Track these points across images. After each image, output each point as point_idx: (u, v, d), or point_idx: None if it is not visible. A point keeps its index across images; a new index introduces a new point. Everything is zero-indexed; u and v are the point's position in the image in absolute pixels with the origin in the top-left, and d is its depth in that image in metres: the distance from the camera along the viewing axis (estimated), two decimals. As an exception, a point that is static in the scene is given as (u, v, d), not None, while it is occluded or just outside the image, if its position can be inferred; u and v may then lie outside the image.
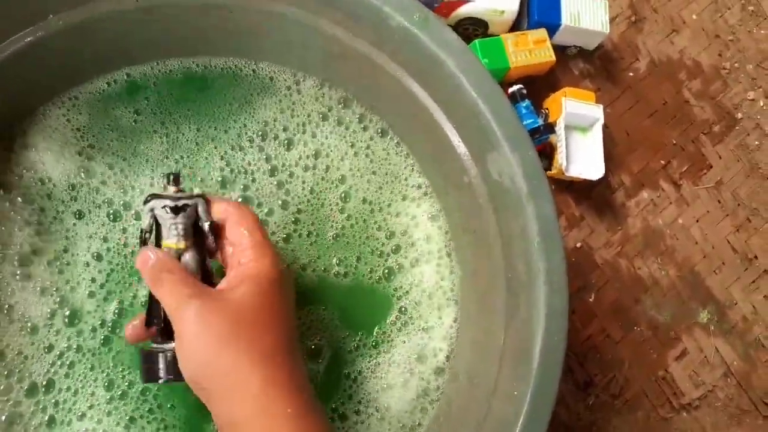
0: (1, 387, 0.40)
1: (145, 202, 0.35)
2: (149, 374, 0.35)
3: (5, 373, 0.40)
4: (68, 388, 0.41)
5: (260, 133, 0.48)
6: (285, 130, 0.48)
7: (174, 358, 0.33)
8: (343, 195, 0.47)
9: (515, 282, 0.40)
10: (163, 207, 0.35)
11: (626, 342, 0.57)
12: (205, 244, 0.36)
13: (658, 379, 0.56)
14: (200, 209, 0.36)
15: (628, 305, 0.58)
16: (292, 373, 0.32)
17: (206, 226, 0.36)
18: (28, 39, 0.41)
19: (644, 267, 0.59)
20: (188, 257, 0.35)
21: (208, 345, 0.31)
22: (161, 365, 0.34)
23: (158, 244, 0.36)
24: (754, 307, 0.60)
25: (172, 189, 0.36)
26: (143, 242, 0.36)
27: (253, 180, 0.47)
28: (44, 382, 0.41)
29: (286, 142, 0.48)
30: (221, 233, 0.36)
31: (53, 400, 0.40)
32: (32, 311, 0.42)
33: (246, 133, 0.48)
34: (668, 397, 0.56)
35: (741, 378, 0.58)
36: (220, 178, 0.46)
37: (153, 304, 0.35)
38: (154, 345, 0.35)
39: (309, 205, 0.47)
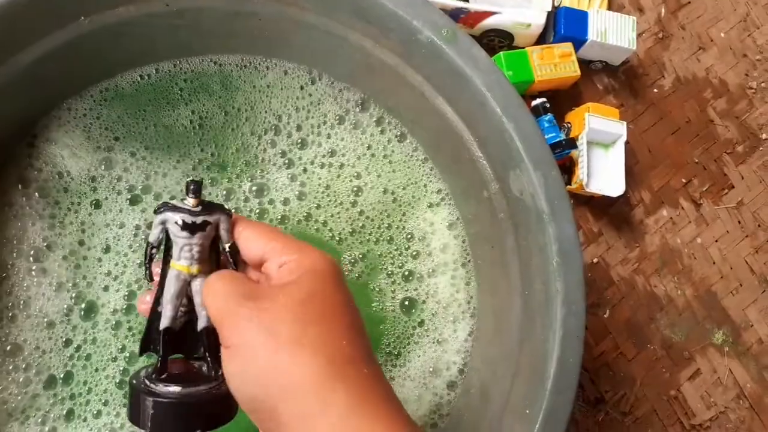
0: (21, 380, 0.41)
1: (157, 211, 0.30)
2: (136, 417, 0.29)
3: (23, 366, 0.41)
4: (84, 382, 0.42)
5: (273, 130, 0.48)
6: (299, 129, 0.49)
7: (174, 407, 0.28)
8: (355, 189, 0.48)
9: (532, 300, 0.40)
10: (177, 223, 0.30)
11: (639, 360, 0.57)
12: (223, 268, 0.32)
13: (670, 399, 0.56)
14: (222, 227, 0.31)
15: (642, 323, 0.58)
16: (380, 385, 0.27)
17: (227, 247, 0.31)
18: (58, 40, 0.41)
19: (660, 285, 0.59)
20: (199, 283, 0.30)
21: (274, 353, 0.25)
22: (156, 415, 0.28)
23: (166, 262, 0.31)
24: (770, 330, 0.59)
25: (191, 201, 0.30)
26: (149, 258, 0.31)
27: (269, 178, 0.47)
28: (62, 375, 0.42)
29: (299, 141, 0.48)
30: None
31: (71, 392, 0.41)
32: (49, 307, 0.43)
33: (264, 131, 0.48)
34: (679, 416, 0.56)
35: (754, 401, 0.57)
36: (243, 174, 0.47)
37: (152, 327, 0.31)
38: (149, 383, 0.29)
39: (325, 200, 0.47)
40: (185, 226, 0.30)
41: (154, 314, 0.31)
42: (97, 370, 0.42)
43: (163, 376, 0.30)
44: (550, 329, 0.38)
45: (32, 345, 0.42)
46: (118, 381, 0.42)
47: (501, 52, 0.56)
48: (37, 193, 0.44)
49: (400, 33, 0.41)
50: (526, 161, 0.39)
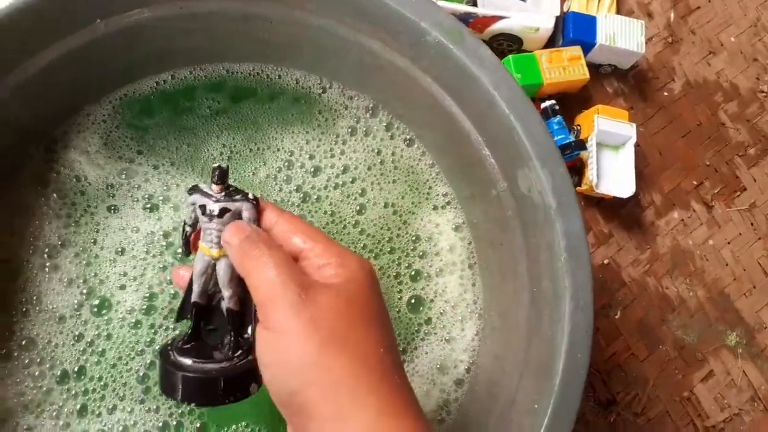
0: (36, 373, 0.42)
1: (189, 192, 0.32)
2: (170, 390, 0.31)
3: (38, 360, 0.42)
4: (99, 378, 0.42)
5: (287, 161, 0.49)
6: (312, 158, 0.49)
7: (206, 381, 0.30)
8: (358, 208, 0.48)
9: (540, 297, 0.40)
10: (199, 207, 0.31)
11: (651, 361, 0.56)
12: None
13: (683, 400, 0.56)
14: (245, 215, 0.31)
15: (654, 324, 0.57)
16: (409, 394, 0.27)
17: None
18: (74, 43, 0.42)
19: (672, 287, 0.59)
20: (222, 266, 0.31)
21: (318, 349, 0.25)
22: (189, 388, 0.30)
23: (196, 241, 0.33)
24: (785, 332, 0.59)
25: (214, 188, 0.31)
26: (186, 236, 0.33)
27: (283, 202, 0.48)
28: (75, 369, 0.42)
29: (313, 169, 0.49)
30: None
31: (84, 388, 0.42)
32: (59, 302, 0.43)
33: (278, 169, 0.49)
34: (692, 418, 0.55)
35: (768, 404, 0.57)
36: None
37: (188, 297, 0.33)
38: (171, 350, 0.32)
39: (333, 230, 0.48)
40: (204, 212, 0.31)
41: (190, 286, 0.33)
42: (114, 366, 0.42)
43: (188, 346, 0.32)
44: (558, 324, 0.38)
45: (45, 339, 0.42)
46: (141, 375, 0.42)
47: (510, 56, 0.57)
48: (55, 194, 0.45)
49: (409, 35, 0.42)
50: (534, 159, 0.39)
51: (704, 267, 0.60)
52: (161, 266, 0.45)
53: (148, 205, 0.46)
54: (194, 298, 0.32)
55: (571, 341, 0.37)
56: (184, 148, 0.48)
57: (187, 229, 0.33)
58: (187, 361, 0.31)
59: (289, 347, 0.26)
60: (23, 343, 0.42)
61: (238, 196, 0.31)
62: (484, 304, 0.47)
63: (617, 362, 0.56)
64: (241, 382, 0.30)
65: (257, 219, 0.31)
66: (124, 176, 0.46)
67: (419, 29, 0.41)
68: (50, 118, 0.46)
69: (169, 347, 0.32)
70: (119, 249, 0.45)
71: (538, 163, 0.39)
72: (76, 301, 0.43)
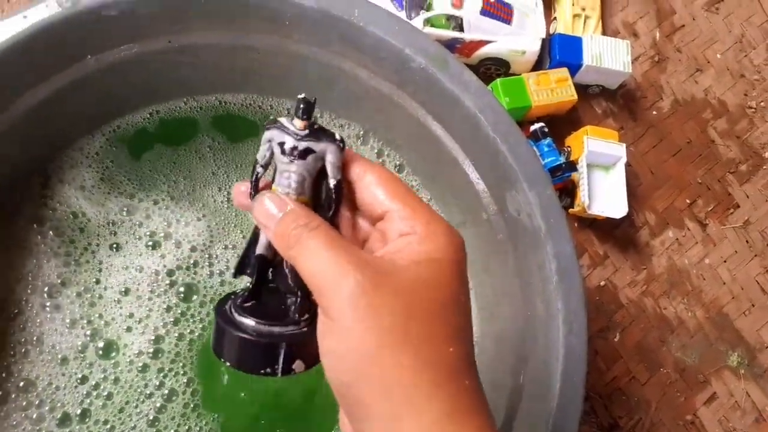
0: (34, 416, 0.41)
1: (265, 126, 0.27)
2: (223, 352, 0.27)
3: (37, 402, 0.41)
4: (105, 421, 0.41)
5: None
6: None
7: (267, 347, 0.26)
8: None
9: (534, 321, 0.40)
10: (279, 144, 0.27)
11: (652, 384, 0.55)
12: (326, 204, 0.28)
13: (686, 424, 0.55)
14: (329, 159, 0.27)
15: (654, 346, 0.56)
16: (477, 400, 0.24)
17: (331, 184, 0.27)
18: (66, 79, 0.42)
19: (670, 307, 0.58)
20: None
21: (376, 346, 0.23)
22: (247, 352, 0.27)
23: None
24: (787, 350, 0.58)
25: (298, 123, 0.26)
26: (256, 177, 0.28)
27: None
28: (77, 413, 0.41)
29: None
30: (351, 198, 0.28)
31: (88, 430, 0.41)
32: (62, 343, 0.43)
33: None
34: (697, 442, 0.54)
35: (774, 424, 0.56)
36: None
37: (250, 250, 0.28)
38: (233, 310, 0.28)
39: None
40: (284, 151, 0.26)
41: (254, 237, 0.29)
42: (122, 410, 0.42)
43: (250, 304, 0.28)
44: (552, 349, 0.37)
45: (45, 381, 0.42)
46: (151, 418, 0.42)
47: (497, 79, 0.57)
48: (51, 232, 0.45)
49: (393, 61, 0.42)
50: (522, 181, 0.39)
51: (701, 286, 0.59)
52: (165, 307, 0.44)
53: (151, 243, 0.45)
54: (260, 250, 0.28)
55: (566, 365, 0.37)
56: (181, 182, 0.47)
57: (259, 169, 0.28)
58: (250, 322, 0.27)
59: (345, 338, 0.23)
60: (21, 384, 0.41)
61: (324, 137, 0.27)
62: (481, 331, 0.46)
63: (618, 386, 0.55)
64: (298, 352, 0.27)
65: (341, 166, 0.27)
66: (125, 213, 0.46)
67: (403, 56, 0.41)
68: (43, 153, 0.46)
69: (227, 304, 0.28)
70: (123, 289, 0.44)
71: (526, 185, 0.39)
72: (80, 343, 0.43)
